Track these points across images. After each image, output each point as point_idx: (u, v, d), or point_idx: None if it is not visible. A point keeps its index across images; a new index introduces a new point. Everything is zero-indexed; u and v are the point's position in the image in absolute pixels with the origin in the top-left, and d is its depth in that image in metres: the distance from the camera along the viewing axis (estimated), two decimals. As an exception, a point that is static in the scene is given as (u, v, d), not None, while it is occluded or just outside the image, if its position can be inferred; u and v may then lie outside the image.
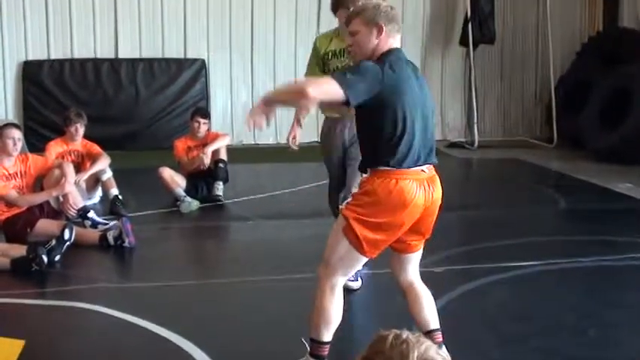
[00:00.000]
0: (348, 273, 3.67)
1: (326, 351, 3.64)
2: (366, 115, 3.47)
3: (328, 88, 3.28)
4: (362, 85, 3.30)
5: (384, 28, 3.51)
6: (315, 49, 5.19)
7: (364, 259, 3.61)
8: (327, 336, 3.62)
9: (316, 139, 6.11)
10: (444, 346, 3.75)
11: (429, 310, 3.74)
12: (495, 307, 4.92)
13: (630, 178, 8.84)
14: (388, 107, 3.38)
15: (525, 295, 5.20)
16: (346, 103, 3.31)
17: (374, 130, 3.44)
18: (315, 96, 3.24)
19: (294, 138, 5.29)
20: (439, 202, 3.60)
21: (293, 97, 3.40)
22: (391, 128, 3.41)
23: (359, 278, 5.09)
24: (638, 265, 5.78)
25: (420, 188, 3.46)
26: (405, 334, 1.79)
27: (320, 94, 3.28)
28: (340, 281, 3.61)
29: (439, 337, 3.69)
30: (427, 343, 1.78)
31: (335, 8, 5.01)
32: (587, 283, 5.46)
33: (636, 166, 9.47)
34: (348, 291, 4.88)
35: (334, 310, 3.59)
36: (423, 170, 3.50)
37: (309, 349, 3.69)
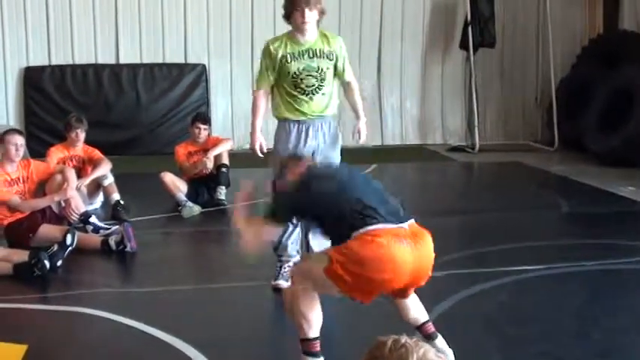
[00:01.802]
0: (319, 292, 3.74)
1: (317, 346, 3.71)
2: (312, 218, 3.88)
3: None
4: (291, 211, 3.87)
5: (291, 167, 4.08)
6: (268, 55, 5.19)
7: (339, 294, 3.69)
8: (313, 332, 3.70)
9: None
10: (439, 335, 3.86)
11: (414, 308, 3.88)
12: (497, 311, 4.92)
13: (632, 181, 8.84)
14: (324, 206, 3.69)
15: (528, 299, 5.20)
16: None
17: (325, 225, 3.78)
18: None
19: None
20: (432, 256, 3.63)
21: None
22: (337, 213, 3.61)
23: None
24: (640, 268, 5.79)
25: (401, 243, 3.49)
26: (404, 338, 1.82)
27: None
28: (311, 291, 3.71)
29: (431, 327, 3.86)
30: (426, 346, 1.80)
31: (288, 14, 5.13)
32: (590, 287, 5.45)
33: (638, 169, 9.48)
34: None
35: (311, 310, 3.69)
36: (400, 227, 3.55)
37: (301, 349, 3.77)
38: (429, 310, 4.55)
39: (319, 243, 5.49)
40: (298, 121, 5.17)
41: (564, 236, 6.89)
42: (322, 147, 5.19)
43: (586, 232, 6.95)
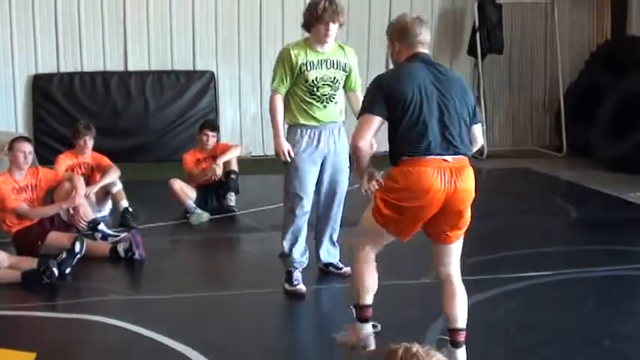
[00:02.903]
0: (375, 247, 4.03)
1: (369, 313, 4.04)
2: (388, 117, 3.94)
3: (365, 126, 3.89)
4: (376, 102, 3.89)
5: (397, 44, 4.09)
6: (288, 60, 5.15)
7: (389, 237, 3.97)
8: (368, 299, 4.04)
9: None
10: (464, 346, 3.91)
11: (460, 309, 4.00)
12: (506, 317, 4.91)
13: (641, 187, 8.82)
14: (395, 107, 3.85)
15: (536, 305, 5.19)
16: (384, 120, 3.90)
17: (389, 128, 3.92)
18: (364, 145, 3.89)
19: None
20: (468, 192, 3.88)
21: (358, 158, 3.99)
22: (400, 124, 3.84)
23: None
24: (649, 274, 5.76)
25: (438, 174, 3.77)
26: (415, 347, 1.81)
27: (366, 137, 3.88)
28: (369, 252, 4.03)
29: (462, 336, 3.96)
30: (437, 355, 1.80)
31: (309, 25, 5.15)
32: (599, 293, 5.43)
33: (647, 175, 9.44)
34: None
35: (368, 277, 4.03)
36: (444, 159, 3.80)
37: (355, 315, 4.07)
38: (435, 320, 4.58)
39: (328, 253, 5.52)
40: (310, 127, 5.22)
41: (573, 242, 6.87)
42: (332, 152, 5.20)
43: (595, 238, 6.92)
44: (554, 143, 12.02)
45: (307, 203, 5.26)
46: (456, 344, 3.93)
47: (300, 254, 5.30)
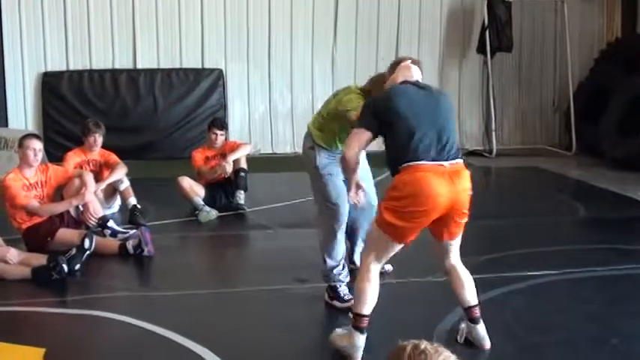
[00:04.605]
0: (381, 259, 4.17)
1: (365, 323, 4.11)
2: (381, 132, 4.21)
3: (354, 138, 4.16)
4: (366, 118, 4.19)
5: (387, 76, 4.51)
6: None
7: (396, 246, 4.11)
8: (364, 309, 4.11)
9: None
10: (481, 321, 4.26)
11: (468, 289, 4.31)
12: (513, 316, 4.90)
13: (651, 186, 8.79)
14: (388, 121, 4.11)
15: (544, 304, 5.18)
16: (373, 136, 4.17)
17: (386, 140, 4.18)
18: (351, 155, 4.12)
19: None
20: (467, 192, 4.11)
21: (344, 167, 4.28)
22: (395, 135, 4.10)
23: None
24: (658, 273, 5.75)
25: (438, 179, 3.98)
26: (424, 344, 1.82)
27: (354, 148, 4.12)
28: (374, 266, 4.14)
29: (477, 312, 4.29)
30: (445, 353, 1.80)
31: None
32: (607, 292, 5.42)
33: (656, 174, 9.42)
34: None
35: (369, 290, 4.12)
36: (440, 164, 4.02)
37: (351, 322, 4.15)
38: (443, 317, 4.59)
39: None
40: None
41: (581, 241, 6.85)
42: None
43: (604, 237, 6.90)
44: (563, 142, 12.01)
45: (345, 210, 5.04)
46: (473, 320, 4.27)
47: (342, 267, 5.18)
